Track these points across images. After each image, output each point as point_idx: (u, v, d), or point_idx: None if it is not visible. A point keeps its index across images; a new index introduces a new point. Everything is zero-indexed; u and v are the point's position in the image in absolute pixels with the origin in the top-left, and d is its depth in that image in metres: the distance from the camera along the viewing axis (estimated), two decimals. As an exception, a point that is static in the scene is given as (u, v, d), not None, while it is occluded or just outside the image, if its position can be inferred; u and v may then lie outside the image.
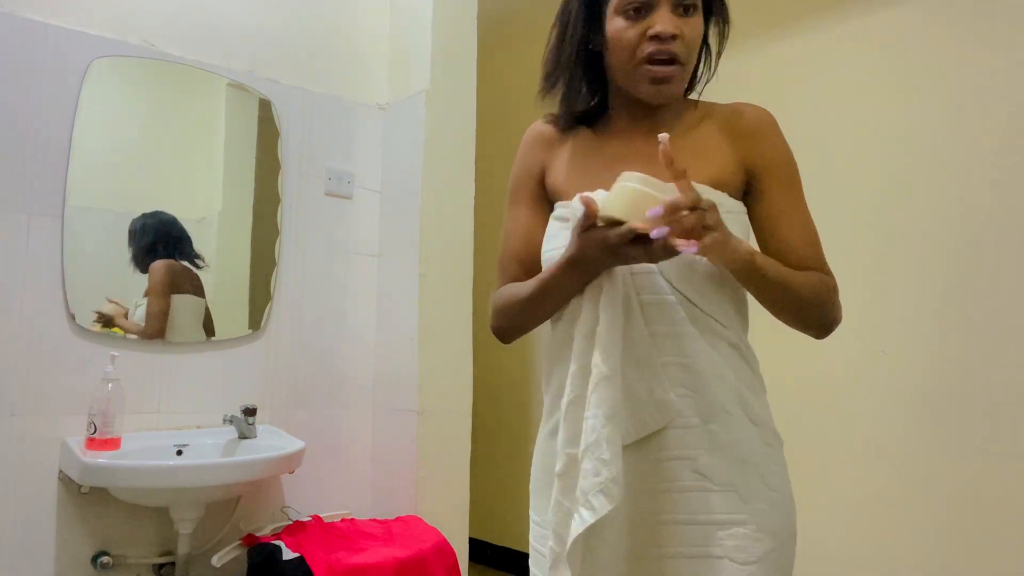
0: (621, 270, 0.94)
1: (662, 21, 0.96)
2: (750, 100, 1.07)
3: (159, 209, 2.05)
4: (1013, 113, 1.93)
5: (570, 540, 0.89)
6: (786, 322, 0.99)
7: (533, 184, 1.12)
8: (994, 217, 1.95)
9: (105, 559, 1.87)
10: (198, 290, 2.11)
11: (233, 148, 2.23)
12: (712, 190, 0.97)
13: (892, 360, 2.09)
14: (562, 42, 1.06)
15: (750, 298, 1.01)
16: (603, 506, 0.87)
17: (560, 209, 1.05)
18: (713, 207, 0.86)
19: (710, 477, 0.93)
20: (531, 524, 1.07)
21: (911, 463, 2.05)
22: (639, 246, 0.86)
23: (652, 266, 0.95)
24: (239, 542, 1.98)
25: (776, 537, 0.94)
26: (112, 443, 1.78)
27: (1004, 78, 1.95)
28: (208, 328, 2.12)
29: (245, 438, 2.02)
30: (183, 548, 1.89)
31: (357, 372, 2.40)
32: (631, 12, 0.98)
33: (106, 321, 1.94)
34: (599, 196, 0.90)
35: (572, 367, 0.95)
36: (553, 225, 1.05)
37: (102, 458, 1.72)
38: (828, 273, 1.01)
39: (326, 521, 2.12)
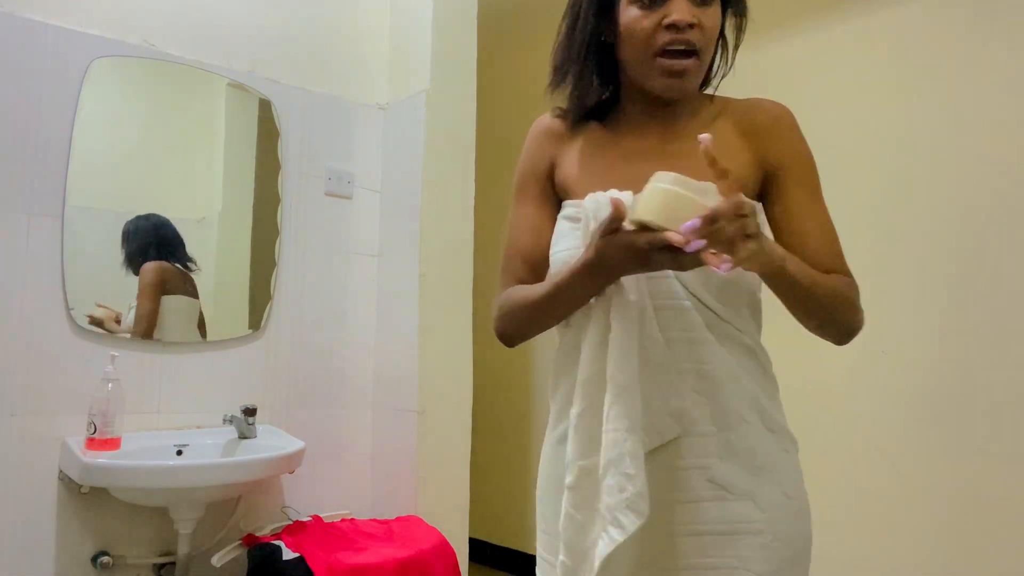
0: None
1: (679, 10, 0.91)
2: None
3: (159, 209, 2.05)
4: (1013, 113, 1.93)
5: (598, 561, 0.85)
6: (810, 328, 0.94)
7: (541, 180, 1.07)
8: (994, 217, 1.95)
9: (105, 559, 1.87)
10: (191, 292, 2.10)
11: (233, 148, 2.23)
12: None
13: (892, 360, 2.09)
14: (572, 33, 1.02)
15: (762, 299, 0.98)
16: (632, 523, 0.83)
17: (570, 208, 1.01)
18: (754, 211, 0.79)
19: (726, 486, 0.90)
20: (538, 533, 1.03)
21: (911, 463, 2.05)
22: (667, 253, 0.79)
23: (668, 270, 0.89)
24: (239, 542, 1.98)
25: (792, 545, 0.92)
26: (112, 443, 1.78)
27: (1004, 78, 1.95)
28: (202, 330, 2.11)
29: (245, 438, 2.02)
30: (183, 548, 1.89)
31: (357, 372, 2.40)
32: (646, 1, 0.93)
33: (97, 325, 1.94)
34: (627, 197, 0.85)
35: (582, 375, 0.91)
36: (563, 225, 1.00)
37: (102, 458, 1.72)
38: (850, 276, 0.96)
39: (326, 521, 2.12)
